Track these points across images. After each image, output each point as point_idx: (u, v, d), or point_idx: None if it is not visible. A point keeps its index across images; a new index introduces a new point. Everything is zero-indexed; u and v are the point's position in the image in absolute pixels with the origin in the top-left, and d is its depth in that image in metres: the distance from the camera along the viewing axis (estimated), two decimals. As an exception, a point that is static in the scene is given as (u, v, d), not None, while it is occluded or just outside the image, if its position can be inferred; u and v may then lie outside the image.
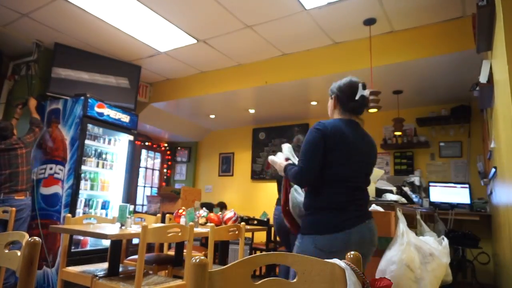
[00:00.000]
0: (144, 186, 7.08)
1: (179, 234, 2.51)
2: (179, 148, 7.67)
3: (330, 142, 1.63)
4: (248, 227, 3.37)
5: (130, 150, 4.69)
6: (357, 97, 1.73)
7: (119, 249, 2.67)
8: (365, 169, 1.74)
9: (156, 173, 7.42)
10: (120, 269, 2.65)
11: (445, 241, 2.06)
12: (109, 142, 4.57)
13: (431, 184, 4.60)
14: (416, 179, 4.26)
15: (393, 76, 4.26)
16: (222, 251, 3.43)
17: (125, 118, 4.54)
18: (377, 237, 1.70)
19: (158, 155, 7.48)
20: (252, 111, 5.98)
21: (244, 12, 3.59)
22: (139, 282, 2.14)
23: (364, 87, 1.75)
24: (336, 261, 0.82)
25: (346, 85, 1.78)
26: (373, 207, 2.18)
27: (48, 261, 3.76)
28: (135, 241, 4.14)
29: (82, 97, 4.06)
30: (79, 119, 4.00)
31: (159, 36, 4.16)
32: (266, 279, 0.78)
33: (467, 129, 5.01)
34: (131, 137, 4.69)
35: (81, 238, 4.05)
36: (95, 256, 3.90)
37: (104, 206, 4.51)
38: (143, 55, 4.75)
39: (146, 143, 7.09)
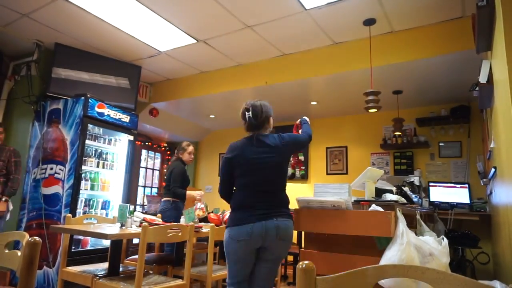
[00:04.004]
0: (144, 186, 7.07)
1: (179, 234, 2.52)
2: (179, 148, 7.66)
3: (233, 162, 2.15)
4: (248, 227, 3.36)
5: (130, 150, 4.69)
6: (246, 118, 2.18)
7: (119, 249, 2.67)
8: (266, 176, 2.09)
9: (156, 173, 7.41)
10: (120, 269, 2.66)
11: (445, 241, 2.06)
12: (109, 142, 4.57)
13: (430, 184, 4.60)
14: (415, 179, 4.27)
15: (393, 76, 4.26)
16: (222, 251, 3.44)
17: (125, 118, 4.55)
18: (288, 232, 2.04)
19: (158, 155, 7.48)
20: (252, 111, 5.98)
21: (244, 12, 3.59)
22: (139, 282, 2.15)
23: (247, 110, 2.16)
24: (495, 283, 0.80)
25: (241, 110, 2.22)
26: (373, 207, 2.18)
27: (48, 261, 3.76)
28: (135, 241, 4.14)
29: (83, 97, 4.07)
30: (80, 119, 4.01)
31: (159, 36, 4.16)
32: None
33: (466, 129, 5.01)
34: (131, 137, 4.69)
35: (82, 238, 4.05)
36: (96, 256, 3.90)
37: (104, 206, 4.52)
38: (143, 55, 4.75)
39: (146, 143, 7.09)
